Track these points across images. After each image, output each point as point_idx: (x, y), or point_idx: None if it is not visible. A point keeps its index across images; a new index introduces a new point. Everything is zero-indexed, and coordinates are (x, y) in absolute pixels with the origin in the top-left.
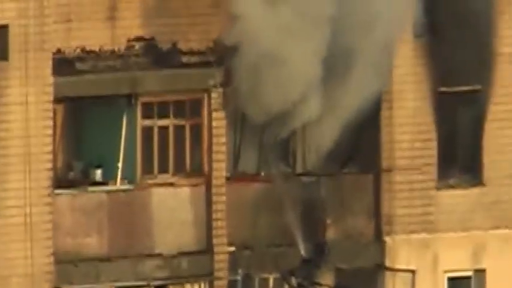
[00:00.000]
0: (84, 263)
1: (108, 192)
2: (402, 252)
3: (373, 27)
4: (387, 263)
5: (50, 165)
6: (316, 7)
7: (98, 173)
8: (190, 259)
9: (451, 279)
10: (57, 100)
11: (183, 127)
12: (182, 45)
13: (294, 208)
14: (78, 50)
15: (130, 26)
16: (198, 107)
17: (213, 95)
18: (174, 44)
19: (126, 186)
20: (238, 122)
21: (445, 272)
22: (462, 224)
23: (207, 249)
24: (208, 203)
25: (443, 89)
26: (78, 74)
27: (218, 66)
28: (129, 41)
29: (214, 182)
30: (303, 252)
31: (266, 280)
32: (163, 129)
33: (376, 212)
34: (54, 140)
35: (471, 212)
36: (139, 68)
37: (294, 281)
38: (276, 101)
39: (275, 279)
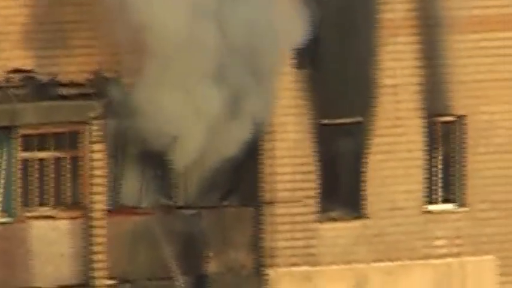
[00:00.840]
0: None
1: None
2: (284, 285)
3: (255, 58)
4: None
5: None
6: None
7: None
8: None
9: None
10: None
11: (63, 159)
12: (61, 77)
13: (173, 241)
14: None
15: (9, 57)
16: (77, 139)
17: (93, 127)
18: (53, 76)
19: (5, 219)
20: (119, 154)
21: None
22: (344, 256)
23: (87, 283)
24: (88, 235)
25: (324, 121)
26: None
27: (98, 98)
28: (7, 72)
29: (94, 214)
30: (182, 286)
31: None
32: (43, 162)
33: (257, 245)
34: None
35: (353, 244)
36: (19, 99)
37: None
38: (154, 138)
39: None
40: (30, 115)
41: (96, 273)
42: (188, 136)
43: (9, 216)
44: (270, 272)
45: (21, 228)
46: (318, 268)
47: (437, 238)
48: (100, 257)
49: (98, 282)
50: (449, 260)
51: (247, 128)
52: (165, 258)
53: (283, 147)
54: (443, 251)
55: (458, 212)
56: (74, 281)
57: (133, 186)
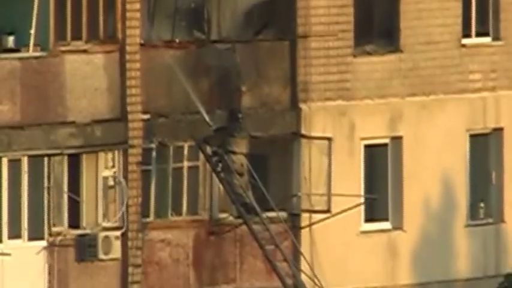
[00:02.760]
0: None
1: (20, 59)
2: (318, 119)
3: None
4: (303, 131)
5: None
6: None
7: (10, 40)
8: (104, 127)
9: (367, 147)
10: None
11: None
12: None
13: (209, 75)
14: None
15: None
16: None
17: None
18: None
19: (38, 53)
20: None
21: (362, 139)
22: (379, 91)
23: (121, 117)
24: (122, 70)
25: None
26: None
27: None
28: None
29: (128, 48)
30: (208, 121)
31: (181, 148)
32: None
33: (291, 79)
34: None
35: (388, 79)
36: None
37: (208, 149)
38: None
39: (190, 147)
40: None
41: (130, 108)
42: None
43: (43, 50)
44: (304, 107)
45: (55, 63)
46: (352, 102)
47: (472, 72)
48: (134, 91)
49: (132, 116)
50: (484, 94)
51: None
52: (201, 92)
53: None
54: (478, 85)
55: (493, 46)
56: (108, 116)
57: (167, 19)
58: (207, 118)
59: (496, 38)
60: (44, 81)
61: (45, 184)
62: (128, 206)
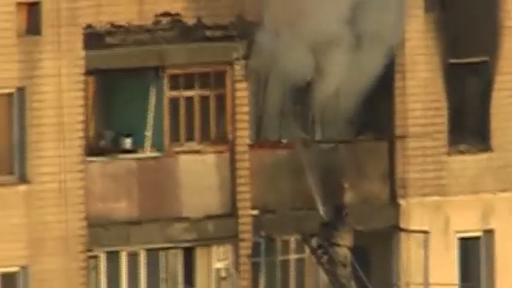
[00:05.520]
0: (115, 226)
1: (137, 159)
2: (416, 214)
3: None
4: (402, 225)
5: (82, 134)
6: None
7: (128, 142)
8: (216, 222)
9: (461, 239)
10: (88, 72)
11: (207, 97)
12: (206, 20)
13: (314, 173)
14: (108, 25)
15: (157, 1)
16: (222, 78)
17: (236, 67)
18: (199, 19)
19: (154, 154)
20: (261, 92)
21: (456, 232)
22: (472, 187)
23: (232, 213)
24: (233, 168)
25: (453, 60)
26: (108, 48)
27: (241, 39)
28: (156, 16)
29: (237, 148)
30: (322, 214)
31: (287, 242)
32: (189, 100)
33: (390, 176)
34: (85, 110)
35: (480, 176)
36: (166, 41)
37: (314, 242)
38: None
39: (296, 241)
40: (177, 56)
41: (240, 204)
42: (327, 69)
43: (159, 151)
44: (403, 202)
45: (170, 162)
46: (447, 198)
47: None
48: (244, 188)
49: (241, 212)
50: None
51: (379, 63)
52: (307, 189)
53: (415, 85)
54: None
55: None
56: (219, 211)
57: (274, 121)
58: (321, 211)
59: None
60: (160, 180)
61: (162, 276)
62: None
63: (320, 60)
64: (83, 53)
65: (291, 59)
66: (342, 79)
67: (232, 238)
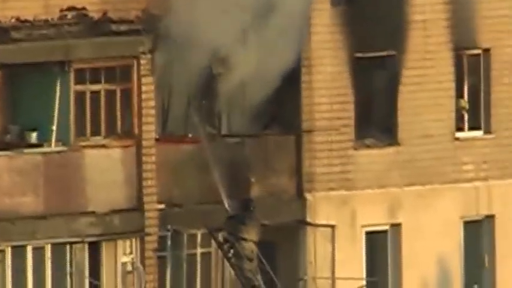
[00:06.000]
0: (21, 221)
1: (43, 153)
2: (322, 208)
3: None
4: (308, 219)
5: None
6: None
7: (34, 136)
8: (122, 216)
9: (368, 234)
10: None
11: (114, 92)
12: (112, 14)
13: (220, 167)
14: (14, 20)
15: None
16: (128, 72)
17: (142, 61)
18: (105, 13)
19: (60, 148)
20: (166, 86)
21: (363, 226)
22: (378, 181)
23: (138, 207)
24: (139, 163)
25: (359, 54)
26: (13, 42)
27: (147, 33)
28: (61, 10)
29: (144, 143)
30: (228, 209)
31: (194, 236)
32: (95, 94)
33: (297, 171)
34: None
35: (387, 170)
36: (72, 36)
37: (220, 236)
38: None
39: (202, 235)
40: (83, 50)
41: (146, 198)
42: (234, 61)
43: (64, 145)
44: (309, 196)
45: (76, 157)
46: (353, 192)
47: (465, 163)
48: (150, 182)
49: (148, 206)
50: (476, 183)
51: (287, 59)
52: (213, 183)
53: (321, 79)
54: (471, 175)
55: (484, 139)
56: (125, 206)
57: (180, 116)
58: (227, 205)
59: (487, 131)
60: (66, 174)
61: (68, 270)
62: None
63: (226, 53)
64: None
65: (197, 52)
66: (248, 72)
67: (138, 232)
